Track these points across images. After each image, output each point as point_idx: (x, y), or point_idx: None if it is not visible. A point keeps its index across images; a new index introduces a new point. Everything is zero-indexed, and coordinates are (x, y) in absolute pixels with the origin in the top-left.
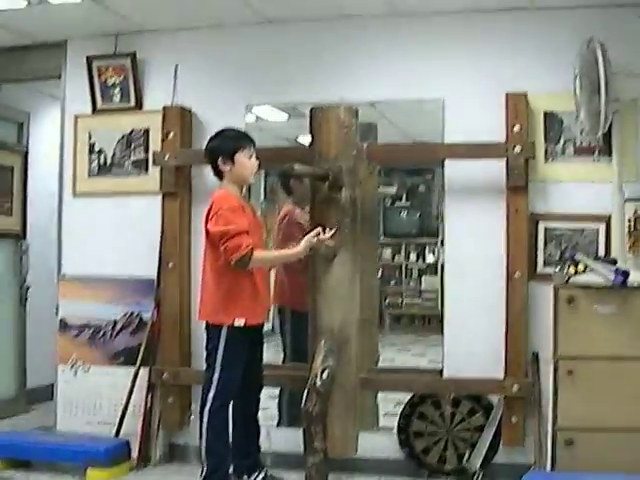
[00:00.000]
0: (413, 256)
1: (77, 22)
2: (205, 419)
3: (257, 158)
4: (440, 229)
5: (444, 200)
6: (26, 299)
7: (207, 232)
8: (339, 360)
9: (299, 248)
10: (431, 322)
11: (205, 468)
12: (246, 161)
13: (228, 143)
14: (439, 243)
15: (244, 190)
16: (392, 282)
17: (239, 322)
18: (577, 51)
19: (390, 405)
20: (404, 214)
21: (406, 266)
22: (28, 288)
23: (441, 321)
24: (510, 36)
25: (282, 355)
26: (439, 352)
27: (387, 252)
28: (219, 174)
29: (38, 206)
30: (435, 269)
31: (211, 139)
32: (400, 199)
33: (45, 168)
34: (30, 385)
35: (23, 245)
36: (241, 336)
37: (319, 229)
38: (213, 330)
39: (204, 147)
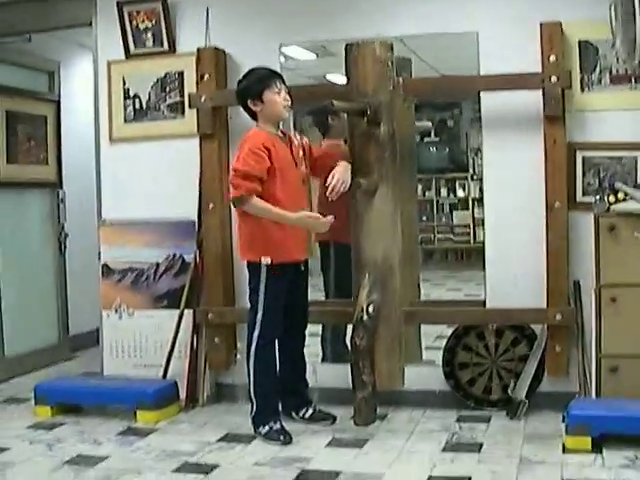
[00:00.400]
0: (444, 191)
1: None
2: (252, 358)
3: (288, 93)
4: (470, 163)
5: (481, 132)
6: (65, 247)
7: None
8: (383, 293)
9: (294, 216)
10: (464, 257)
11: (254, 406)
12: (275, 97)
13: (254, 83)
14: (469, 178)
15: (281, 125)
16: (424, 218)
17: (265, 260)
18: None
19: (430, 339)
20: (433, 149)
21: (437, 201)
22: (67, 236)
23: (478, 251)
24: None
25: (324, 292)
26: (474, 287)
27: (418, 188)
28: (253, 115)
29: (73, 154)
30: (466, 204)
31: (239, 82)
32: (429, 135)
33: (78, 116)
34: (73, 332)
35: (60, 194)
36: (279, 274)
37: (317, 215)
38: (252, 269)
39: (235, 91)
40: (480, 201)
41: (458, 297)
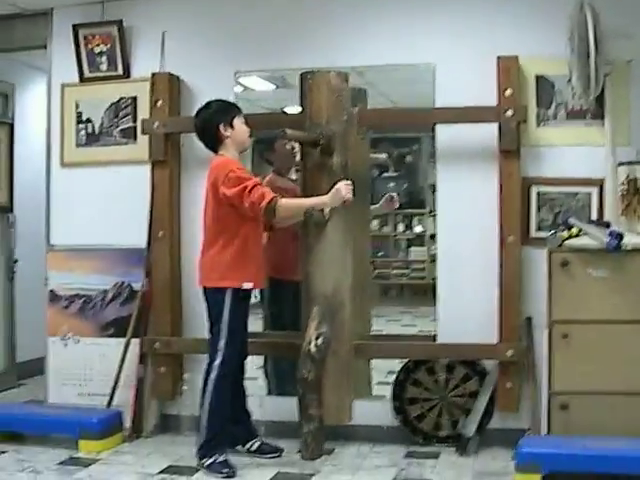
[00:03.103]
0: (401, 227)
1: None
2: (210, 387)
3: (247, 125)
4: (427, 200)
5: (435, 166)
6: (14, 273)
7: (221, 196)
8: (333, 326)
9: (327, 196)
10: (419, 293)
11: (204, 437)
12: (243, 126)
13: (226, 110)
14: (427, 214)
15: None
16: (380, 253)
17: (247, 285)
18: (569, 14)
19: (382, 374)
20: (392, 185)
21: (394, 237)
22: (16, 262)
23: (434, 287)
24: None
25: (263, 324)
26: (429, 323)
27: (375, 223)
28: (215, 143)
29: (25, 178)
30: (423, 240)
31: (203, 109)
32: (387, 170)
33: (31, 140)
34: (20, 359)
35: (10, 218)
36: (242, 301)
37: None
38: (216, 296)
39: (197, 118)
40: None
41: (412, 333)
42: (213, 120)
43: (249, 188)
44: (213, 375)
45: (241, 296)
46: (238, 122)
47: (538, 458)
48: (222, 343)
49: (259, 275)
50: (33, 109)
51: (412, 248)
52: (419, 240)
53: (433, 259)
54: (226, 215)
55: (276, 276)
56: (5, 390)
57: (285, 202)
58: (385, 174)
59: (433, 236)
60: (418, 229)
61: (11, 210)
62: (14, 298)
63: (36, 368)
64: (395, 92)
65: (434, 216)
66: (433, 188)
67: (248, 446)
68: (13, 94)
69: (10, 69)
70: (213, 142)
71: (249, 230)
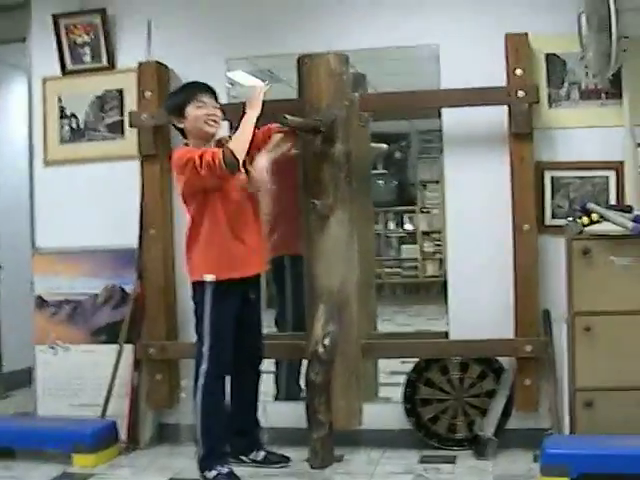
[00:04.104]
0: (392, 225)
1: None
2: (199, 395)
3: (219, 107)
4: (418, 197)
5: (442, 152)
6: None
7: (180, 190)
8: (340, 324)
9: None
10: (413, 291)
11: (201, 449)
12: (197, 112)
13: (175, 98)
14: (418, 211)
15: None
16: None
17: (209, 277)
18: None
19: (385, 375)
20: (381, 182)
21: (385, 235)
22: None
23: (427, 285)
24: None
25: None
26: (424, 322)
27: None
28: (183, 136)
29: (7, 180)
30: (414, 237)
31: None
32: (376, 167)
33: (12, 140)
34: (6, 370)
35: None
36: (226, 294)
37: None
38: (196, 291)
39: None
40: (428, 235)
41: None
42: (166, 113)
43: (198, 158)
44: (200, 383)
45: (222, 289)
46: (191, 108)
47: (567, 459)
48: (206, 347)
49: (230, 263)
50: (13, 108)
51: (404, 246)
52: (411, 238)
53: (425, 257)
54: (189, 206)
55: (290, 253)
56: None
57: (234, 144)
58: (373, 171)
59: (425, 233)
60: (409, 227)
61: None
62: None
63: (24, 379)
64: (399, 73)
65: (425, 213)
66: (424, 185)
67: (252, 456)
68: None
69: None
70: (180, 133)
71: (211, 218)
